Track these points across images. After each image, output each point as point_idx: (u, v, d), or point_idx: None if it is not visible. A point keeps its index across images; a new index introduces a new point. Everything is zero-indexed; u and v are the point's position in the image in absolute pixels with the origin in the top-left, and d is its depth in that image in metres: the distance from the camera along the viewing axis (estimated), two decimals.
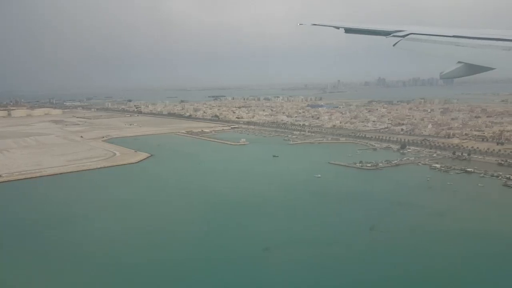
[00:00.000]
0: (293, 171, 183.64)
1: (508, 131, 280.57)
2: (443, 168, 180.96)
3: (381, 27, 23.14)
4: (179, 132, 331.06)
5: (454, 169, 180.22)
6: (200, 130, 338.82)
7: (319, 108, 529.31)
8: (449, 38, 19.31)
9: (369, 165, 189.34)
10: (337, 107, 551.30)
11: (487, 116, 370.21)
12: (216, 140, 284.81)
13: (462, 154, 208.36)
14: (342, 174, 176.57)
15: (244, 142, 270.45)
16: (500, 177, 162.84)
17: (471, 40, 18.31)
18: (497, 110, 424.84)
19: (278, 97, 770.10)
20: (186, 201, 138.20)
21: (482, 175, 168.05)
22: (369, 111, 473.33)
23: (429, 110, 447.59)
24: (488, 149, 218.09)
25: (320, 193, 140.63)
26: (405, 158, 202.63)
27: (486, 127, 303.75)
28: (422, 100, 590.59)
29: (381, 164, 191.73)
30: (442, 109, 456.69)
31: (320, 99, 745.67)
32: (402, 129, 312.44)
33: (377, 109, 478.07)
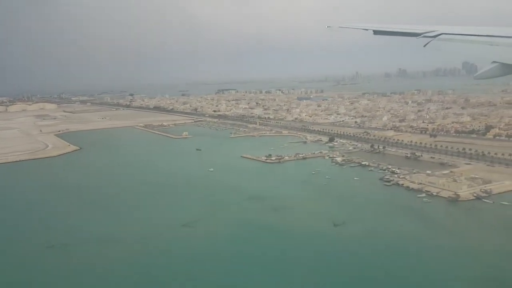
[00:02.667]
0: (194, 164, 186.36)
1: (460, 122, 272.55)
2: (343, 162, 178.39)
3: (411, 28, 23.03)
4: (138, 125, 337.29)
5: (353, 162, 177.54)
6: (160, 123, 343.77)
7: (305, 101, 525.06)
8: (482, 37, 18.98)
9: (273, 158, 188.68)
10: (327, 99, 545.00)
11: (462, 108, 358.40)
12: (161, 133, 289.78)
13: (378, 147, 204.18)
14: (237, 168, 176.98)
15: (186, 135, 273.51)
16: (386, 170, 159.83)
17: (506, 39, 18.00)
18: (480, 100, 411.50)
19: (280, 90, 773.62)
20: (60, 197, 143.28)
21: (371, 169, 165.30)
22: (351, 103, 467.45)
23: (410, 102, 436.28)
24: (411, 141, 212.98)
25: (172, 185, 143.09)
26: (318, 152, 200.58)
27: (442, 118, 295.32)
28: (415, 92, 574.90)
29: (287, 157, 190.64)
30: (425, 100, 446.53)
31: (322, 91, 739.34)
32: (355, 122, 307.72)
33: (359, 101, 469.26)
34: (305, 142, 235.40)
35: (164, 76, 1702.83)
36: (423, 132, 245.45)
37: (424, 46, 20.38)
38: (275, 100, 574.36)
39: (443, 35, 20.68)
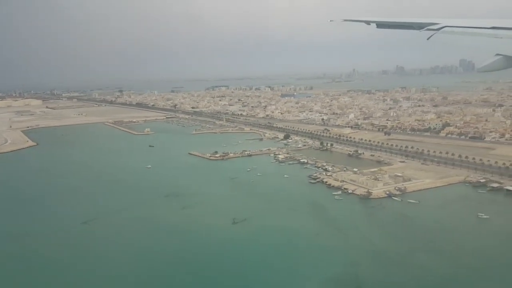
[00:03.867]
0: (136, 161, 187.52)
1: (423, 120, 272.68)
2: (283, 159, 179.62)
3: (414, 20, 22.65)
4: (108, 122, 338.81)
5: (293, 159, 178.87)
6: (131, 120, 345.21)
7: (287, 98, 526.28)
8: (486, 30, 18.69)
9: (217, 155, 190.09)
10: (310, 96, 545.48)
11: (434, 106, 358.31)
12: (125, 130, 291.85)
13: (326, 144, 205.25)
14: (176, 165, 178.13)
15: (148, 132, 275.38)
16: (320, 168, 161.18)
17: (509, 31, 17.67)
18: (457, 98, 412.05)
19: (270, 86, 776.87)
20: None
21: (307, 166, 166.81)
22: (331, 100, 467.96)
23: (388, 100, 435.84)
24: (361, 139, 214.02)
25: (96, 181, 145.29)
26: (266, 149, 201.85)
27: (408, 116, 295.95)
28: (399, 89, 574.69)
29: (232, 154, 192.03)
30: (403, 98, 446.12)
31: (311, 88, 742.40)
32: (322, 119, 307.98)
33: (339, 99, 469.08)
34: (261, 139, 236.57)
35: (164, 73, 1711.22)
36: (380, 129, 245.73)
37: (428, 39, 20.19)
38: (260, 96, 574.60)
39: (447, 27, 20.41)
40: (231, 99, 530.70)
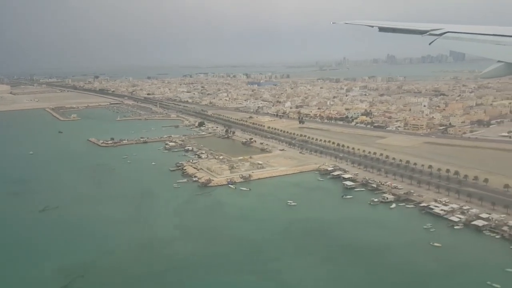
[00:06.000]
0: (26, 146, 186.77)
1: (353, 109, 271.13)
2: (172, 146, 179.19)
3: (416, 25, 22.91)
4: (48, 107, 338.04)
5: (181, 146, 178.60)
6: (71, 106, 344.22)
7: (250, 86, 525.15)
8: (488, 36, 18.80)
9: (109, 142, 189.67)
10: (276, 84, 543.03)
11: (380, 95, 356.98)
12: (56, 116, 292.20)
13: (230, 132, 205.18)
14: (58, 151, 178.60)
15: (74, 117, 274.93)
16: (199, 155, 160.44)
17: (511, 39, 17.74)
18: (410, 88, 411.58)
19: (246, 74, 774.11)
20: None
21: (188, 154, 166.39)
22: (292, 88, 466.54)
23: (345, 88, 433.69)
24: (269, 127, 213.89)
25: None
26: (167, 136, 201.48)
27: (342, 104, 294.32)
28: (367, 78, 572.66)
29: (126, 141, 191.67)
30: (360, 87, 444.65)
31: (288, 76, 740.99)
32: (258, 107, 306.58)
33: (298, 88, 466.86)
34: (177, 126, 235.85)
35: (165, 59, 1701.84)
36: (300, 118, 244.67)
37: (430, 43, 20.13)
38: (229, 84, 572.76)
39: (449, 33, 20.46)
40: (194, 86, 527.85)
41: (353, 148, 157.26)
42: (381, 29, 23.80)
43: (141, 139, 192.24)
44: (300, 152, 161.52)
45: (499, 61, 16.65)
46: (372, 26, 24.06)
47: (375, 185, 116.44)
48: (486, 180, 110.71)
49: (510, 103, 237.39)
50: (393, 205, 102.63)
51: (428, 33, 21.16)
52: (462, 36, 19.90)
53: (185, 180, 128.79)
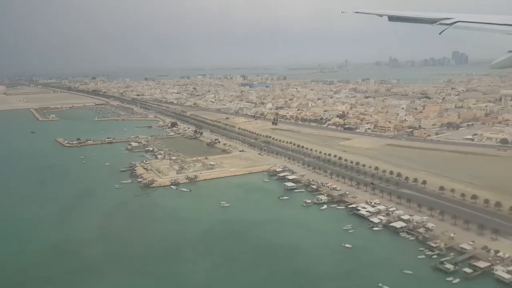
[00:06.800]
0: None
1: (327, 110, 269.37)
2: (133, 147, 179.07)
3: (427, 14, 22.46)
4: (33, 108, 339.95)
5: (143, 147, 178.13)
6: (55, 106, 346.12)
7: (242, 87, 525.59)
8: (500, 26, 18.30)
9: (75, 142, 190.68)
10: (268, 86, 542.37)
11: (366, 97, 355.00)
12: (36, 116, 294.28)
13: (197, 132, 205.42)
14: (20, 151, 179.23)
15: (53, 118, 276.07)
16: (158, 156, 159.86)
17: None
18: (398, 90, 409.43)
19: (243, 76, 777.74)
20: None
21: (148, 154, 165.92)
22: (281, 90, 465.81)
23: (334, 90, 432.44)
24: (241, 128, 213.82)
25: None
26: (134, 136, 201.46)
27: (324, 105, 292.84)
28: (360, 80, 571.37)
29: (91, 141, 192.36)
30: (349, 89, 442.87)
31: (285, 78, 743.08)
32: (240, 108, 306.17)
33: (288, 89, 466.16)
34: (150, 127, 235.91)
35: (170, 62, 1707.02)
36: (274, 119, 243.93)
37: (440, 33, 19.74)
38: (222, 86, 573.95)
39: (460, 22, 19.97)
40: (186, 88, 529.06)
41: (310, 150, 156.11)
42: (391, 18, 23.28)
43: (107, 140, 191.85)
44: (259, 153, 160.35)
45: (510, 51, 15.99)
46: (382, 16, 23.59)
47: (315, 186, 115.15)
48: (424, 182, 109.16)
49: (486, 106, 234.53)
50: (324, 206, 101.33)
51: (438, 23, 20.57)
52: (473, 26, 19.26)
53: (129, 181, 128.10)
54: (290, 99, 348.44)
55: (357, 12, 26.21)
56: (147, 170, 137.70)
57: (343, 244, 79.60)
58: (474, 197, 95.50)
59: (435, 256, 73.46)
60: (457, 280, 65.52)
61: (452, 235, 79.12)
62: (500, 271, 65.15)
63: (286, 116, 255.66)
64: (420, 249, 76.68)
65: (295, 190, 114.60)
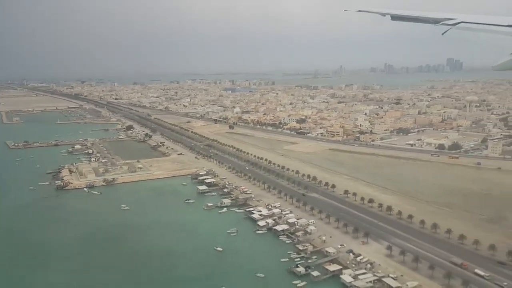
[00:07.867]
0: None
1: (291, 115, 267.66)
2: (75, 150, 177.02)
3: (430, 14, 22.29)
4: (3, 111, 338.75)
5: (84, 150, 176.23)
6: (27, 109, 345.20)
7: (224, 91, 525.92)
8: (504, 27, 18.06)
9: (20, 144, 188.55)
10: (251, 91, 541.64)
11: (339, 102, 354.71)
12: (2, 118, 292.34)
13: (147, 135, 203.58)
14: None
15: (16, 120, 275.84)
16: (95, 159, 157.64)
17: None
18: (374, 96, 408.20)
19: (232, 81, 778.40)
20: None
21: (84, 157, 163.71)
22: (261, 95, 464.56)
23: (310, 96, 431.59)
24: (194, 132, 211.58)
25: None
26: (82, 139, 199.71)
27: (291, 110, 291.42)
28: (343, 86, 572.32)
29: (37, 144, 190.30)
30: (329, 95, 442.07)
31: (273, 83, 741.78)
32: (207, 112, 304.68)
33: (269, 94, 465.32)
34: (106, 130, 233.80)
35: (169, 67, 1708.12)
36: (234, 124, 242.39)
37: (443, 33, 19.70)
38: (206, 90, 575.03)
39: (463, 23, 19.90)
40: (165, 92, 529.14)
41: (246, 153, 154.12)
42: (394, 17, 23.03)
43: (53, 142, 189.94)
44: (196, 157, 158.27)
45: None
46: (385, 15, 23.39)
47: (228, 190, 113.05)
48: (333, 186, 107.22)
49: (444, 112, 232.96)
50: (224, 210, 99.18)
51: (441, 23, 20.36)
52: (476, 27, 19.01)
53: (47, 183, 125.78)
54: (263, 104, 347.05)
55: (359, 11, 26.06)
56: (71, 173, 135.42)
57: (215, 248, 77.29)
58: (371, 201, 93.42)
59: (298, 259, 71.27)
60: (303, 283, 63.54)
61: (324, 238, 76.86)
62: (346, 275, 63.12)
63: (247, 120, 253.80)
64: (289, 252, 74.38)
65: (206, 194, 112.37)
